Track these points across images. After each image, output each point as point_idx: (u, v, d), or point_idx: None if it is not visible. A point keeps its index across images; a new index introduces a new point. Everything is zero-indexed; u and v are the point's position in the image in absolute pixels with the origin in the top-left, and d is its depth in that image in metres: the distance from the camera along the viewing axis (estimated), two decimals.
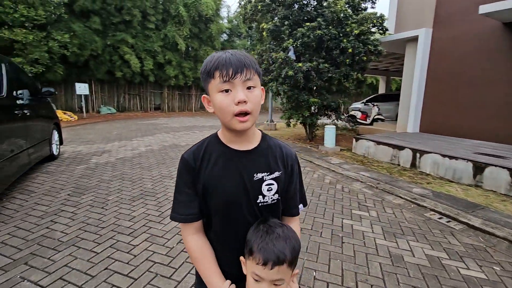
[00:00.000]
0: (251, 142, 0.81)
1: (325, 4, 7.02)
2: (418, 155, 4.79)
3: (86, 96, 13.79)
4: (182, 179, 0.80)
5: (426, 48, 6.95)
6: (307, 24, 6.40)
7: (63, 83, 13.47)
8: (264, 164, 0.80)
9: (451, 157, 4.26)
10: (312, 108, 7.16)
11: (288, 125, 7.64)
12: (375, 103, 10.43)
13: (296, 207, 0.88)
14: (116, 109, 15.70)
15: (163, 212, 2.93)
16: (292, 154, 0.86)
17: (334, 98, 7.35)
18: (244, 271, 0.75)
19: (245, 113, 0.70)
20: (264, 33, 7.37)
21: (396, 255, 2.27)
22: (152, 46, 14.86)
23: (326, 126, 6.71)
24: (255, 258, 0.68)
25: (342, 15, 6.48)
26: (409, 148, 4.95)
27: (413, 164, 4.86)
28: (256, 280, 0.69)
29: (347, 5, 6.90)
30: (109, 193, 3.44)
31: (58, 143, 5.14)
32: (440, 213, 3.09)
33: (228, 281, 0.77)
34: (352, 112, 10.89)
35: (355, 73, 6.85)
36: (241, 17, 10.00)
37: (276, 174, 0.80)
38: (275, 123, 10.88)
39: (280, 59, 6.44)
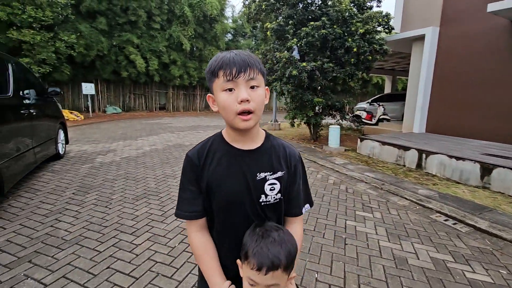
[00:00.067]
0: (255, 142, 0.81)
1: (329, 3, 6.97)
2: (424, 155, 4.72)
3: (92, 96, 13.96)
4: (187, 177, 0.82)
5: (433, 47, 6.85)
6: (312, 23, 6.36)
7: (69, 83, 13.67)
8: (267, 164, 0.80)
9: (458, 158, 4.19)
10: (317, 108, 7.12)
11: (292, 125, 7.60)
12: (381, 103, 10.32)
13: (298, 207, 0.87)
14: (121, 108, 15.86)
15: (165, 212, 2.94)
16: (296, 154, 0.86)
17: (339, 98, 7.29)
18: (241, 274, 0.74)
19: (248, 112, 0.71)
20: (268, 32, 7.36)
21: (400, 258, 2.23)
22: (157, 46, 14.96)
23: (330, 126, 6.66)
24: (250, 263, 0.67)
25: (347, 14, 6.43)
26: (415, 149, 4.88)
27: (419, 165, 4.80)
28: (252, 285, 0.68)
29: (352, 4, 6.84)
30: (113, 192, 3.47)
31: (64, 142, 5.20)
32: (446, 215, 3.04)
33: (228, 282, 0.77)
34: (357, 112, 10.80)
35: (360, 72, 6.79)
36: (245, 16, 10.00)
37: (279, 174, 0.81)
38: (279, 123, 10.85)
39: (284, 59, 6.42)
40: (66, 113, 11.19)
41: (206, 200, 0.81)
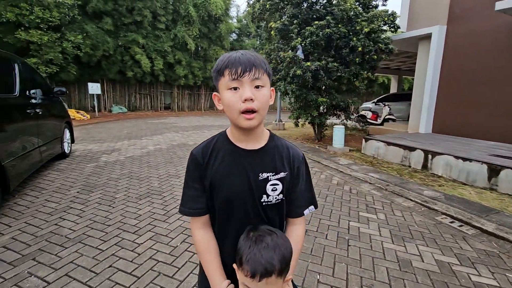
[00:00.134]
0: (259, 142, 0.82)
1: (334, 2, 6.91)
2: (430, 156, 4.65)
3: (98, 95, 14.12)
4: (191, 175, 0.83)
5: (440, 46, 6.75)
6: (316, 22, 6.32)
7: (76, 82, 13.84)
8: (270, 164, 0.81)
9: (464, 159, 4.12)
10: (321, 107, 7.07)
11: (297, 125, 7.57)
12: (386, 103, 10.20)
13: (300, 208, 0.87)
14: (127, 108, 16.00)
15: (168, 211, 2.95)
16: (299, 156, 0.86)
17: (344, 97, 7.23)
18: (238, 278, 0.74)
19: (251, 111, 0.71)
20: (272, 32, 7.33)
21: (404, 260, 2.20)
22: (162, 46, 15.05)
23: (335, 126, 6.61)
24: (244, 270, 0.67)
25: (352, 13, 6.37)
26: (421, 149, 4.81)
27: (425, 166, 4.73)
28: None
29: (357, 3, 6.77)
30: (117, 191, 3.50)
31: (69, 141, 5.26)
32: (452, 217, 2.99)
33: (227, 281, 0.77)
34: (363, 112, 10.71)
35: (365, 72, 6.72)
36: (250, 16, 9.99)
37: (282, 174, 0.81)
38: (283, 122, 10.82)
39: (288, 58, 6.39)
40: (72, 112, 11.33)
41: (209, 198, 0.82)
